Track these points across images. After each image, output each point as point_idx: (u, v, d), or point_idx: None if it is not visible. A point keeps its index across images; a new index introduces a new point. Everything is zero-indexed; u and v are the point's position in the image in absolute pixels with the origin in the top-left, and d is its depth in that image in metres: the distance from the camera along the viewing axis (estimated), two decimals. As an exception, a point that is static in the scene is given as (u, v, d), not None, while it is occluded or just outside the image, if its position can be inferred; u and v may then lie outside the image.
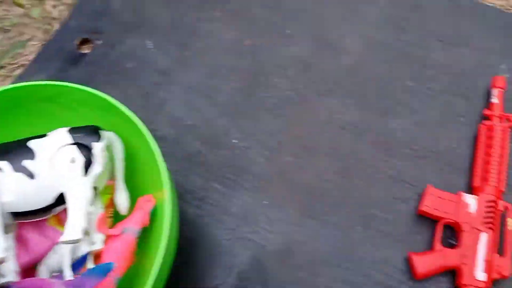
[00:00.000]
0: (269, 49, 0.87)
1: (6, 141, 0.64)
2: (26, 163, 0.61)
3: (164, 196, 0.61)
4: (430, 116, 0.79)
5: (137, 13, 0.93)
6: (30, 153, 0.61)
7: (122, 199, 0.66)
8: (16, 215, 0.60)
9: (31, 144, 0.62)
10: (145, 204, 0.68)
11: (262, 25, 0.89)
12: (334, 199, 0.75)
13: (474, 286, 0.65)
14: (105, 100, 0.63)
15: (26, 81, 0.66)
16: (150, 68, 0.87)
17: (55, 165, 0.62)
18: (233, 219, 0.75)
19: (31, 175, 0.60)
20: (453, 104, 0.80)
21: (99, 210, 0.64)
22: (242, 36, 0.89)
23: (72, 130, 0.63)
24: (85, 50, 0.91)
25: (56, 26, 0.95)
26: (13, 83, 0.88)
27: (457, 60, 0.83)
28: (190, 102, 0.84)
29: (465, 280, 0.66)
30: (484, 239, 0.67)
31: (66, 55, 0.90)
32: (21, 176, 0.60)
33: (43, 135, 0.64)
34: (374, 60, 0.84)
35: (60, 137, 0.63)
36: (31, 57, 0.91)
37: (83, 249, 0.61)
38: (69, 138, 0.63)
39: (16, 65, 0.91)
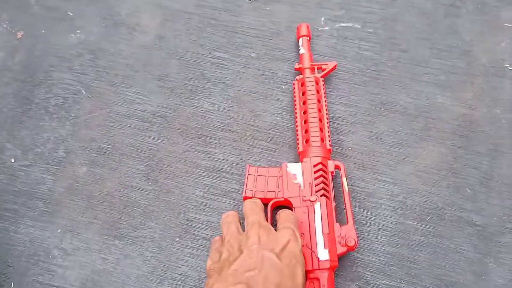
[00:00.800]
0: (48, 39, 0.70)
1: None
2: None
3: None
4: (247, 89, 0.67)
5: None
6: None
7: None
8: None
9: None
10: None
11: (37, 11, 0.72)
12: (144, 208, 0.60)
13: (319, 269, 0.52)
14: None
15: None
16: None
17: None
18: (19, 261, 0.58)
19: None
20: (272, 71, 0.68)
21: None
22: (13, 27, 0.71)
23: None
24: None
25: None
26: None
27: (270, 20, 0.71)
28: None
29: (307, 265, 0.53)
30: (318, 209, 0.55)
31: None
32: None
33: None
34: (174, 33, 0.70)
35: None
36: None
37: None
38: None
39: None
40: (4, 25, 0.71)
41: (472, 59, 0.67)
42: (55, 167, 0.62)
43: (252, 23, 0.71)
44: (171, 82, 0.67)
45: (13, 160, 0.63)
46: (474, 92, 0.65)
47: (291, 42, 0.69)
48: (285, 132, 0.64)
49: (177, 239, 0.59)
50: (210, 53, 0.69)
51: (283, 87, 0.67)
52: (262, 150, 0.63)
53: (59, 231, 0.59)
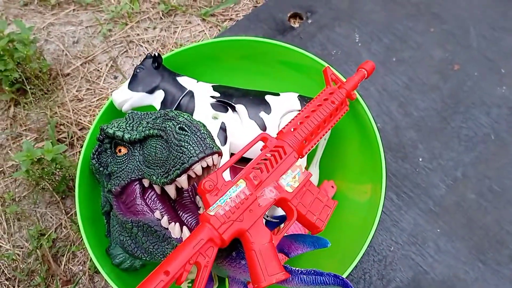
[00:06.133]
0: (477, 82, 0.85)
1: (241, 87, 0.66)
2: (263, 115, 0.62)
3: (367, 195, 0.62)
4: None
5: (352, 3, 0.94)
6: (267, 107, 0.63)
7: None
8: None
9: (268, 98, 0.64)
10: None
11: (476, 55, 0.87)
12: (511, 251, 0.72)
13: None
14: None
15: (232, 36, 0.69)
16: (352, 60, 0.87)
17: (280, 126, 0.63)
18: (401, 233, 0.74)
19: (263, 127, 0.62)
20: None
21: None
22: (452, 59, 0.87)
23: (301, 97, 0.64)
24: (295, 24, 0.93)
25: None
26: (220, 33, 0.92)
27: None
28: (382, 105, 0.83)
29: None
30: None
31: (276, 23, 0.91)
32: (252, 124, 0.62)
33: (276, 94, 0.65)
34: None
35: (292, 101, 0.64)
36: (241, 14, 0.94)
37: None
38: (298, 105, 0.64)
39: (227, 18, 0.93)
40: (446, 55, 0.87)
41: None
42: (451, 182, 0.77)
43: None
44: None
45: (420, 159, 0.79)
46: None
47: None
48: None
49: (529, 290, 0.69)
50: None
51: None
52: None
53: (438, 230, 0.74)
